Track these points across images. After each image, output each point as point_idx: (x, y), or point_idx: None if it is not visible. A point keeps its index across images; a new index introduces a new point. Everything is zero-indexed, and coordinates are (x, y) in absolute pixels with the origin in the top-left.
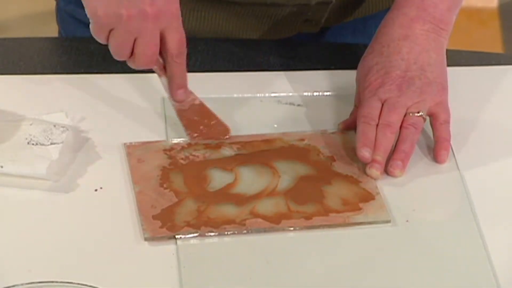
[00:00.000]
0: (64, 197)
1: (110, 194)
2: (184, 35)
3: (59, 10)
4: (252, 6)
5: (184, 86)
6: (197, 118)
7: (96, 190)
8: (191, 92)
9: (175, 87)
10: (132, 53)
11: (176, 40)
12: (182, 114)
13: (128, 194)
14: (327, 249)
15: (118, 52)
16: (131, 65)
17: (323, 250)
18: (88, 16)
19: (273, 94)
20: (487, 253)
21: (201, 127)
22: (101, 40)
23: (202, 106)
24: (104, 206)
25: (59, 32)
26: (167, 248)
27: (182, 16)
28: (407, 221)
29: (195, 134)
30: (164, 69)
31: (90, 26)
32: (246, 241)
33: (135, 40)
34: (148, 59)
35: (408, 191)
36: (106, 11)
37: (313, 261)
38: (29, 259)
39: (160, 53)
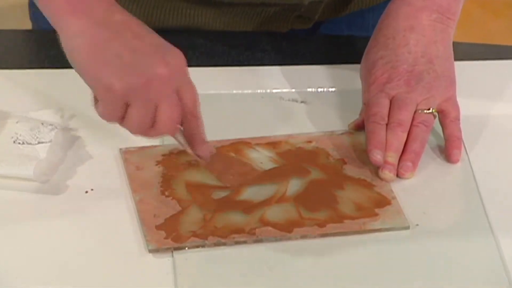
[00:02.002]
0: (52, 199)
1: (101, 196)
2: (195, 87)
3: (31, 5)
4: (241, 6)
5: (204, 140)
6: (223, 165)
7: (86, 192)
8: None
9: (198, 143)
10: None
11: (192, 95)
12: (209, 165)
13: (121, 196)
14: (341, 256)
15: (141, 126)
16: (151, 136)
17: (336, 258)
18: (99, 94)
19: (275, 90)
20: (502, 257)
21: (231, 176)
22: (116, 118)
23: (220, 153)
24: (95, 208)
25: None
26: (162, 254)
27: (166, 14)
28: (417, 225)
29: (229, 184)
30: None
31: (101, 105)
32: (251, 248)
33: (157, 108)
34: (174, 124)
35: (418, 193)
36: (123, 84)
37: (325, 270)
38: (15, 265)
39: None
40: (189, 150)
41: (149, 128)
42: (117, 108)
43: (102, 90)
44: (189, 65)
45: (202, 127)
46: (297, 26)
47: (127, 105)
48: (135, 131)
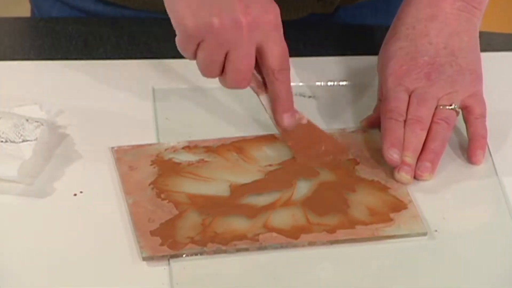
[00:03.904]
0: (38, 202)
1: (91, 199)
2: (286, 48)
3: None
4: None
5: (290, 108)
6: (306, 140)
7: (75, 194)
8: (297, 112)
9: (280, 110)
10: (223, 69)
11: (277, 54)
12: (288, 136)
13: (113, 198)
14: (352, 265)
15: (207, 68)
16: (224, 84)
17: (347, 267)
18: (174, 26)
19: None
20: None
21: (311, 151)
22: (188, 53)
23: (311, 125)
24: (85, 212)
25: (32, 12)
26: (157, 263)
27: None
28: (436, 231)
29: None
30: (264, 87)
31: (177, 37)
32: (254, 256)
33: (227, 54)
34: (242, 76)
35: (438, 197)
36: (195, 20)
37: (334, 280)
38: None
39: (260, 70)
40: (269, 115)
41: (218, 74)
42: (188, 44)
43: (176, 23)
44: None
45: (287, 92)
46: (318, 10)
47: (198, 46)
48: (203, 72)
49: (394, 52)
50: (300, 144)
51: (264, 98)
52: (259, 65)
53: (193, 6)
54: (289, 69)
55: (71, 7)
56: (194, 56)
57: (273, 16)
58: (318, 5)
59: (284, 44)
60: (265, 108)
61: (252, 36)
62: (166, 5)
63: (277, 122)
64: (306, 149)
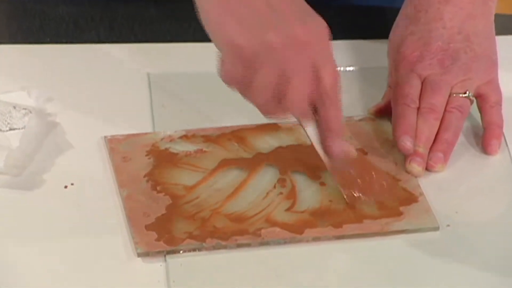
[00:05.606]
0: (26, 195)
1: (83, 191)
2: (336, 65)
3: None
4: None
5: (341, 134)
6: (353, 171)
7: (66, 187)
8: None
9: (330, 135)
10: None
11: (332, 75)
12: (335, 169)
13: (106, 191)
14: (360, 261)
15: (264, 96)
16: (277, 114)
17: (354, 263)
18: (220, 49)
19: None
20: None
21: (358, 180)
22: (240, 81)
23: (360, 157)
24: (76, 206)
25: None
26: (153, 259)
27: None
28: (448, 225)
29: (355, 194)
30: (313, 113)
31: (222, 65)
32: (255, 252)
33: (285, 78)
34: (304, 104)
35: (450, 190)
36: (250, 39)
37: (341, 278)
38: None
39: None
40: (316, 146)
41: (275, 102)
42: (243, 69)
43: (223, 44)
44: (184, 40)
45: (340, 116)
46: None
47: (254, 70)
48: (259, 101)
49: (406, 37)
50: (348, 177)
51: (310, 125)
52: None
53: (249, 28)
54: (340, 91)
55: None
56: (247, 86)
57: (326, 31)
58: None
59: (334, 62)
60: (309, 137)
61: (310, 54)
62: (205, 22)
63: (327, 151)
64: (354, 181)
